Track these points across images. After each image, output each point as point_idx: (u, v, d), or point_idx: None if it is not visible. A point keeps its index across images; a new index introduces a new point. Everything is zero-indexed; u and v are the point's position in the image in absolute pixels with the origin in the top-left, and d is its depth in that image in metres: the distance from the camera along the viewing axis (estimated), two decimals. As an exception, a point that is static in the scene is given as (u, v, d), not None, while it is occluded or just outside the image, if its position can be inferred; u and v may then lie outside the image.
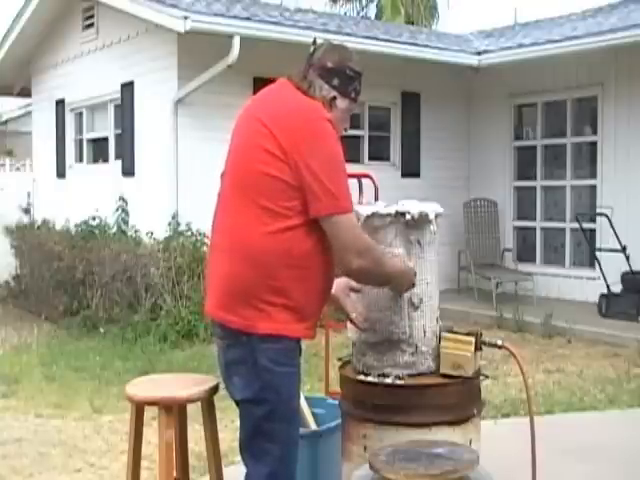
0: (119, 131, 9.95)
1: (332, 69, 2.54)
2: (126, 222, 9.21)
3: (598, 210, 9.47)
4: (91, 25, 10.40)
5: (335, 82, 2.54)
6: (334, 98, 2.54)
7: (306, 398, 3.77)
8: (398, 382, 2.74)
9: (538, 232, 10.61)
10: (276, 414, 2.46)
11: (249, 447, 2.51)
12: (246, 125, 2.51)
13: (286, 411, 2.49)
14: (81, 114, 11.03)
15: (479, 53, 10.28)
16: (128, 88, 9.53)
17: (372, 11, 21.66)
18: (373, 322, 2.77)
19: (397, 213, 2.76)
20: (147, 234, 8.50)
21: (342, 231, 2.38)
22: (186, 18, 7.88)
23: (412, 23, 18.56)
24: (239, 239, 2.42)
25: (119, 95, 9.75)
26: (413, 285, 2.67)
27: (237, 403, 2.55)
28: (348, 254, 2.39)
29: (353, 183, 4.76)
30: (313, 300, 2.49)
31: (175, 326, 7.81)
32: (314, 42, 2.64)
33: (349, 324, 2.88)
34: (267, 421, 2.45)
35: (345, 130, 2.61)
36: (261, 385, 2.43)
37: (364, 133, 10.43)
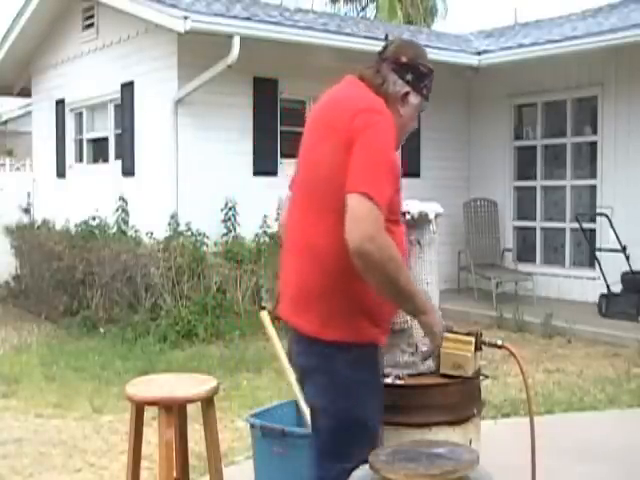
0: (119, 131, 9.95)
1: (406, 64, 2.50)
2: (126, 222, 9.21)
3: (598, 210, 9.47)
4: (91, 25, 10.40)
5: (409, 77, 2.50)
6: (407, 94, 2.51)
7: (306, 398, 3.78)
8: (398, 382, 2.74)
9: (538, 232, 10.61)
10: (357, 421, 2.36)
11: (325, 454, 2.42)
12: (312, 126, 2.50)
13: (357, 423, 2.37)
14: (81, 114, 11.03)
15: (479, 53, 10.28)
16: (128, 88, 9.53)
17: (372, 11, 21.67)
18: None
19: (397, 213, 2.76)
20: (147, 234, 8.50)
21: (355, 207, 2.18)
22: (186, 18, 7.88)
23: (412, 23, 18.58)
24: (310, 242, 2.36)
25: (119, 95, 9.75)
26: (441, 334, 2.45)
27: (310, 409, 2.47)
28: (355, 228, 2.15)
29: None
30: (385, 305, 2.39)
31: (175, 326, 7.82)
32: (386, 37, 2.64)
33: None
34: (338, 432, 2.36)
35: (413, 128, 2.60)
36: (334, 394, 2.35)
37: (364, 133, 10.42)
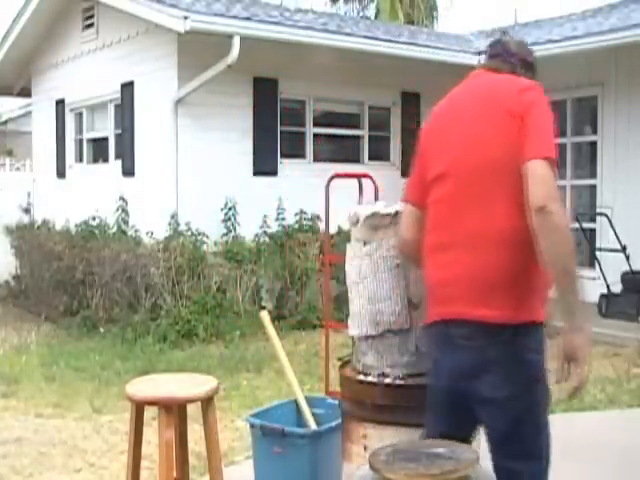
0: (119, 131, 9.95)
1: (530, 63, 2.67)
2: (126, 222, 9.21)
3: (598, 210, 9.47)
4: (91, 25, 10.40)
5: (529, 75, 2.65)
6: None
7: (306, 398, 3.78)
8: (398, 382, 2.74)
9: (538, 232, 10.58)
10: (539, 405, 2.40)
11: (509, 446, 2.39)
12: (461, 116, 2.52)
13: (547, 401, 2.43)
14: (81, 114, 11.03)
15: (479, 53, 10.27)
16: (128, 88, 9.53)
17: (372, 11, 21.67)
18: (374, 314, 2.77)
19: (397, 213, 2.76)
20: (147, 234, 8.50)
21: (539, 171, 2.27)
22: (186, 18, 7.88)
23: (412, 23, 18.58)
24: (493, 230, 2.36)
25: (119, 95, 9.76)
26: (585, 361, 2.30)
27: (478, 403, 2.40)
28: (539, 189, 2.24)
29: (353, 183, 4.78)
30: (545, 280, 2.42)
31: (175, 326, 7.82)
32: (504, 33, 2.76)
33: (350, 323, 2.88)
34: (529, 414, 2.37)
35: None
36: (524, 377, 2.36)
37: (364, 133, 10.43)
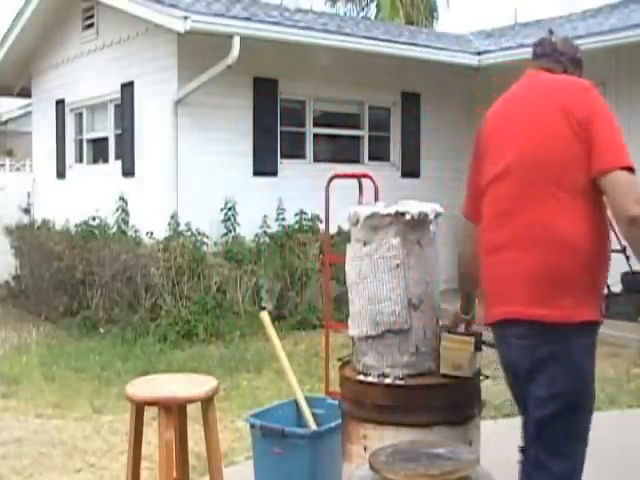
0: (119, 131, 9.95)
1: (579, 61, 2.77)
2: (126, 222, 9.21)
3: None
4: (91, 25, 10.40)
5: (578, 72, 2.74)
6: None
7: (306, 398, 3.78)
8: (398, 382, 2.74)
9: (538, 232, 10.59)
10: (583, 407, 2.46)
11: (546, 442, 2.47)
12: (519, 117, 2.56)
13: (591, 403, 2.48)
14: (81, 114, 11.03)
15: (479, 53, 10.28)
16: (128, 88, 9.53)
17: (372, 11, 21.67)
18: (374, 314, 2.77)
19: (397, 213, 2.76)
20: (147, 234, 8.50)
21: (623, 181, 2.34)
22: (186, 18, 7.88)
23: (412, 23, 18.57)
24: (554, 230, 2.39)
25: (119, 95, 9.75)
26: None
27: (528, 398, 2.52)
28: (629, 200, 2.30)
29: (353, 183, 4.78)
30: (604, 281, 2.50)
31: (175, 326, 7.82)
32: (551, 32, 2.80)
33: (350, 323, 2.88)
34: (572, 414, 2.43)
35: None
36: (575, 376, 2.41)
37: (364, 133, 10.43)
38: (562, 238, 2.38)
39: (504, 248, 2.48)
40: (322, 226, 8.60)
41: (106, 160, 10.40)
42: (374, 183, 4.72)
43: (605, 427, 5.12)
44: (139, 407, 2.97)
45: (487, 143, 2.61)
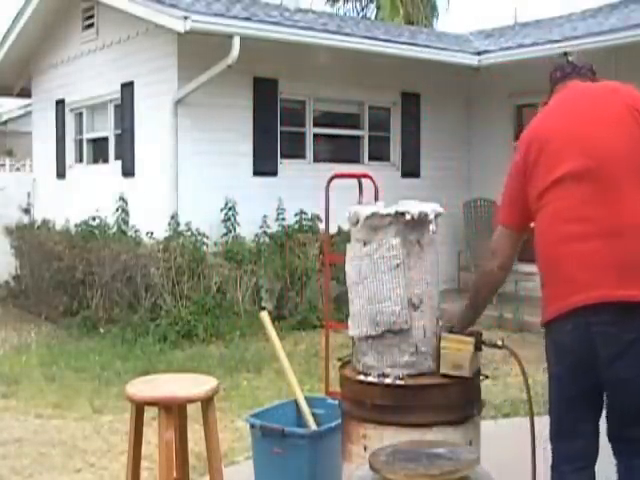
0: (119, 131, 9.95)
1: (595, 72, 3.01)
2: (126, 222, 9.21)
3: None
4: (91, 25, 10.40)
5: (596, 79, 2.97)
6: None
7: (306, 398, 3.78)
8: (398, 382, 2.74)
9: (538, 232, 10.59)
10: None
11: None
12: (595, 116, 2.71)
13: None
14: (81, 114, 11.03)
15: (479, 53, 10.28)
16: (128, 88, 9.53)
17: (372, 11, 21.66)
18: (374, 314, 2.77)
19: (397, 213, 2.76)
20: (147, 234, 8.50)
21: None
22: (186, 18, 7.88)
23: (412, 23, 18.56)
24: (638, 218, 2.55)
25: (119, 95, 9.75)
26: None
27: (614, 385, 2.61)
28: None
29: (353, 183, 4.78)
30: None
31: (175, 326, 7.82)
32: (565, 54, 3.15)
33: (350, 323, 2.88)
34: None
35: None
36: None
37: (364, 133, 10.43)
38: None
39: (588, 239, 2.57)
40: (322, 226, 8.60)
41: (106, 160, 10.40)
42: (374, 183, 4.72)
43: (605, 427, 5.14)
44: (139, 407, 2.97)
45: (541, 148, 2.73)
